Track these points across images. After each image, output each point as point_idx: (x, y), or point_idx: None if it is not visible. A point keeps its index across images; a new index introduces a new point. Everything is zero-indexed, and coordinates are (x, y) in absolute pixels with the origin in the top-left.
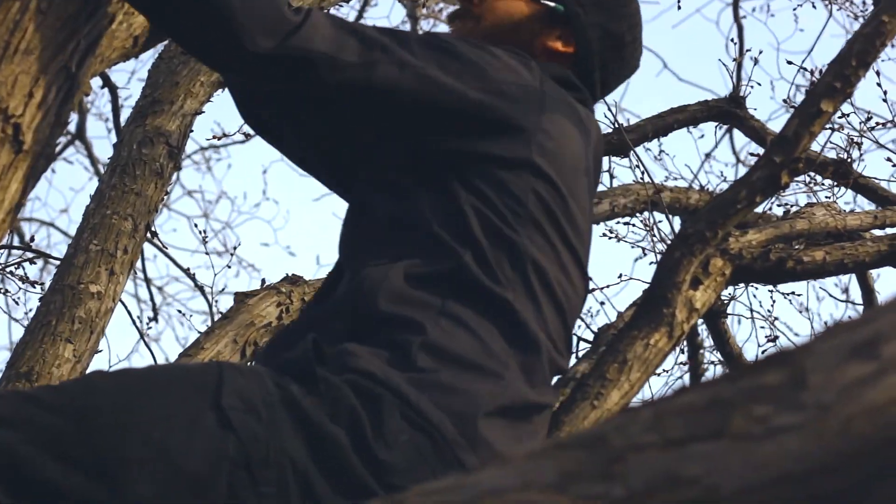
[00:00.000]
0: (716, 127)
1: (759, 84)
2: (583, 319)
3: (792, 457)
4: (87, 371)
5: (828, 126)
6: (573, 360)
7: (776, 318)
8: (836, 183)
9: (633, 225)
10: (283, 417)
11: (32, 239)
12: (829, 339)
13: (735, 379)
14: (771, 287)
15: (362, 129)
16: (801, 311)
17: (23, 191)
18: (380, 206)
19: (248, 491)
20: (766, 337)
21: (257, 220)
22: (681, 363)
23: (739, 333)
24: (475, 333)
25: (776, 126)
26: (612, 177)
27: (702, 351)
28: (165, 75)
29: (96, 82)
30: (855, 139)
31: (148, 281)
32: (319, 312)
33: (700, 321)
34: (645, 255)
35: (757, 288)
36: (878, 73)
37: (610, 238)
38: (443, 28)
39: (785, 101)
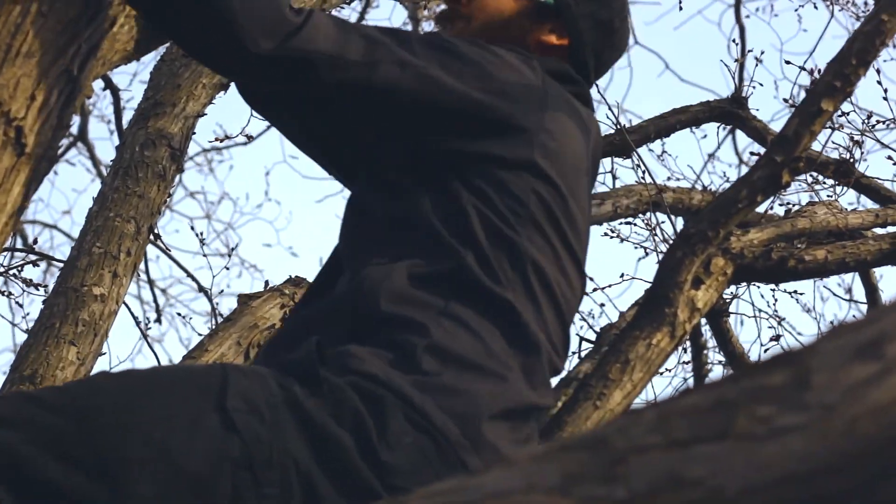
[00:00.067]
0: (718, 127)
1: (762, 84)
2: (585, 319)
3: (796, 457)
4: (91, 373)
5: (829, 125)
6: (576, 361)
7: (780, 318)
8: (837, 182)
9: (636, 225)
10: (287, 419)
11: (35, 241)
12: (833, 339)
13: (738, 379)
14: (773, 286)
15: (363, 128)
16: (806, 311)
17: (25, 194)
18: (380, 204)
19: (251, 492)
20: (770, 337)
21: (259, 220)
22: (684, 363)
23: (743, 332)
24: (477, 334)
25: (780, 126)
26: (614, 177)
27: (705, 351)
28: (167, 77)
29: (98, 84)
30: (856, 138)
31: (151, 283)
32: (319, 311)
33: (703, 320)
34: (647, 255)
35: (760, 287)
36: (878, 72)
37: (612, 238)
38: None
39: (786, 100)
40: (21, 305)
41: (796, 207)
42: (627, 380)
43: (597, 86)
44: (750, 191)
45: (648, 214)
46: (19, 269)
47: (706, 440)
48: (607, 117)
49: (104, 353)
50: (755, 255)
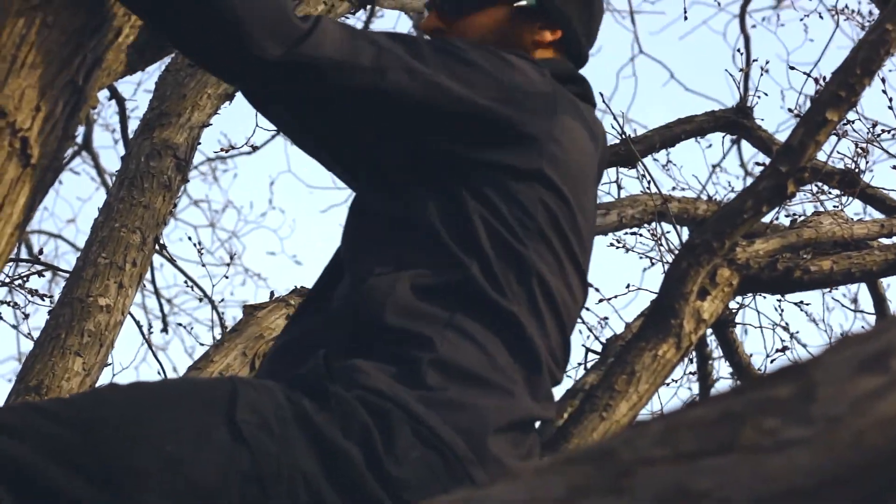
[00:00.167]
0: (723, 137)
1: (767, 94)
2: (591, 330)
3: (802, 470)
4: (98, 384)
5: (834, 135)
6: (582, 372)
7: (787, 328)
8: (843, 192)
9: (641, 235)
10: (296, 433)
11: (41, 252)
12: (838, 351)
13: (744, 392)
14: (779, 297)
15: (369, 133)
16: (812, 321)
17: (31, 205)
18: (383, 207)
19: None
20: (776, 348)
21: (263, 229)
22: (690, 373)
23: (749, 343)
24: (483, 347)
25: (785, 136)
26: (619, 187)
27: (711, 361)
28: (172, 88)
29: (103, 93)
30: (861, 147)
31: (157, 293)
32: (324, 323)
33: (708, 331)
34: (653, 265)
35: (766, 297)
36: (883, 81)
37: (618, 248)
38: None
39: (790, 110)
40: (27, 316)
41: (801, 218)
42: (633, 391)
43: (601, 95)
44: (755, 201)
45: (654, 224)
46: (25, 279)
47: (713, 453)
48: (612, 127)
49: (109, 364)
50: (761, 266)
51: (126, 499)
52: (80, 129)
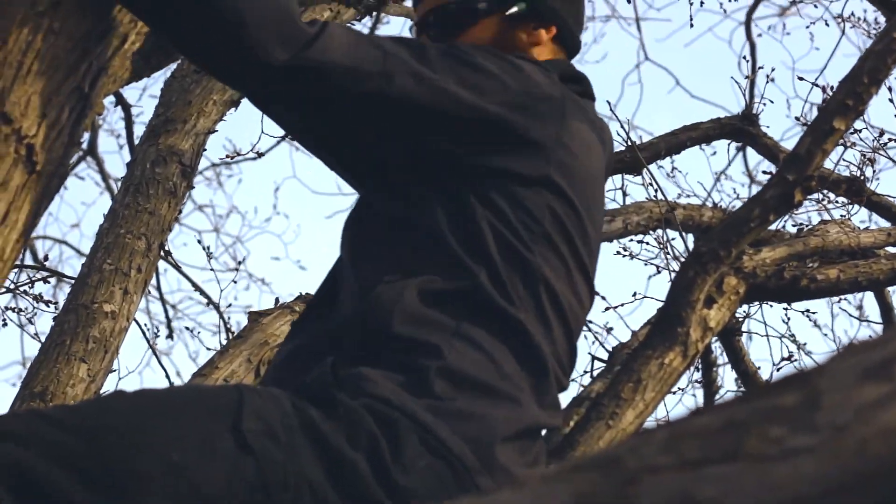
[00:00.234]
0: (729, 144)
1: (773, 102)
2: (597, 338)
3: (807, 478)
4: (103, 391)
5: (840, 143)
6: (588, 380)
7: (793, 336)
8: (849, 201)
9: (647, 243)
10: (302, 441)
11: (46, 258)
12: (843, 359)
13: (749, 400)
14: (786, 305)
15: (375, 138)
16: (816, 326)
17: (36, 211)
18: (390, 212)
19: None
20: (783, 357)
21: (268, 234)
22: (695, 381)
23: (756, 351)
24: (490, 356)
25: (791, 144)
26: (624, 194)
27: (715, 368)
28: (178, 94)
29: (108, 98)
30: (868, 156)
31: (162, 298)
32: (331, 330)
33: (714, 338)
34: (659, 272)
35: (772, 306)
36: (890, 90)
37: (624, 256)
38: None
39: (797, 118)
40: (31, 322)
41: (808, 226)
42: (640, 399)
43: (608, 103)
44: (762, 210)
45: (659, 231)
46: (30, 285)
47: (718, 461)
48: (618, 134)
49: (114, 370)
50: (767, 274)
51: (130, 502)
52: (86, 135)
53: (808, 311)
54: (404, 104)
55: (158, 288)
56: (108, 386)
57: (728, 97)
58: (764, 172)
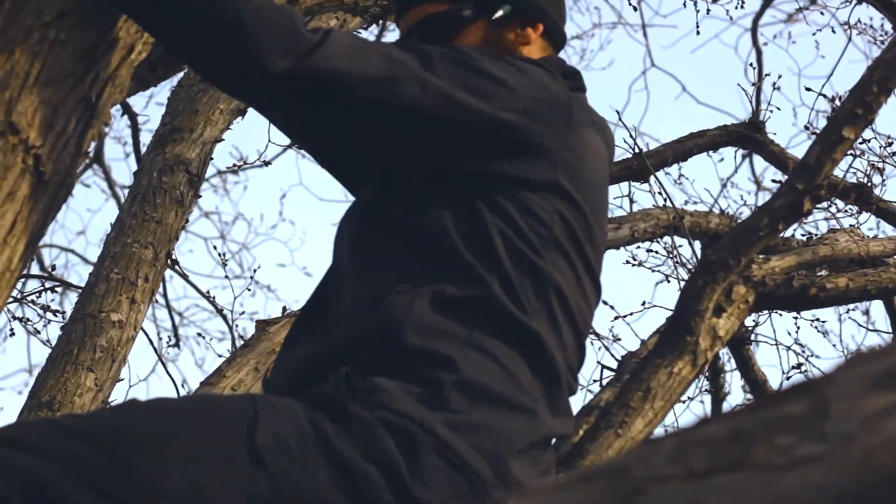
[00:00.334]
0: (735, 151)
1: (779, 109)
2: (606, 346)
3: (814, 487)
4: (111, 400)
5: (849, 152)
6: (597, 389)
7: (802, 345)
8: (858, 209)
9: (654, 252)
10: (317, 456)
11: (54, 268)
12: (851, 368)
13: (757, 409)
14: (795, 314)
15: (381, 145)
16: (825, 333)
17: (43, 221)
18: (398, 218)
19: None
20: (792, 365)
21: (274, 241)
22: (705, 390)
23: (764, 360)
24: (504, 366)
25: (798, 151)
26: (631, 201)
27: (723, 375)
28: (185, 103)
29: (114, 107)
30: (877, 164)
31: (170, 307)
32: (343, 340)
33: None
34: (668, 282)
35: (781, 315)
36: None
37: (634, 266)
38: None
39: (807, 127)
40: (38, 332)
41: (816, 234)
42: (649, 408)
43: (616, 111)
44: (771, 219)
45: (667, 238)
46: (37, 294)
47: (725, 470)
48: (625, 141)
49: (122, 379)
50: (777, 283)
51: None
52: (92, 144)
53: (816, 319)
54: (409, 111)
55: (165, 295)
56: (116, 395)
57: (735, 103)
58: (773, 181)
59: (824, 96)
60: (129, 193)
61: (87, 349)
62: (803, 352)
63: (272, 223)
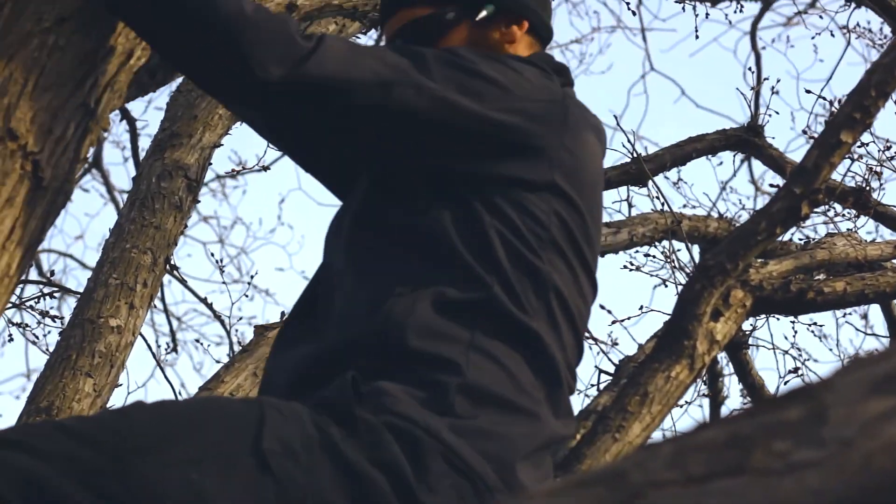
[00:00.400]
0: (734, 155)
1: (778, 113)
2: (603, 351)
3: (812, 492)
4: (110, 405)
5: (847, 156)
6: (594, 393)
7: (800, 349)
8: (857, 214)
9: (652, 256)
10: (323, 462)
11: (52, 273)
12: (849, 373)
13: (755, 414)
14: (792, 318)
15: (377, 150)
16: (823, 337)
17: (42, 227)
18: (394, 217)
19: None
20: (789, 369)
21: (272, 245)
22: (702, 395)
23: (761, 364)
24: (507, 368)
25: (796, 155)
26: (630, 206)
27: (721, 379)
28: (184, 108)
29: (113, 112)
30: (875, 168)
31: (167, 311)
32: (344, 343)
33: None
34: (666, 286)
35: (779, 319)
36: (895, 103)
37: (631, 271)
38: None
39: (804, 131)
40: (37, 337)
41: (814, 238)
42: (647, 412)
43: (614, 116)
44: (769, 223)
45: (665, 243)
46: (36, 300)
47: (724, 475)
48: (623, 146)
49: (121, 385)
50: (774, 287)
51: None
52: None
53: (814, 323)
54: (404, 115)
55: (163, 300)
56: (114, 400)
57: (734, 106)
58: (771, 185)
59: (823, 98)
60: (127, 199)
61: (85, 354)
62: (800, 355)
63: (271, 227)
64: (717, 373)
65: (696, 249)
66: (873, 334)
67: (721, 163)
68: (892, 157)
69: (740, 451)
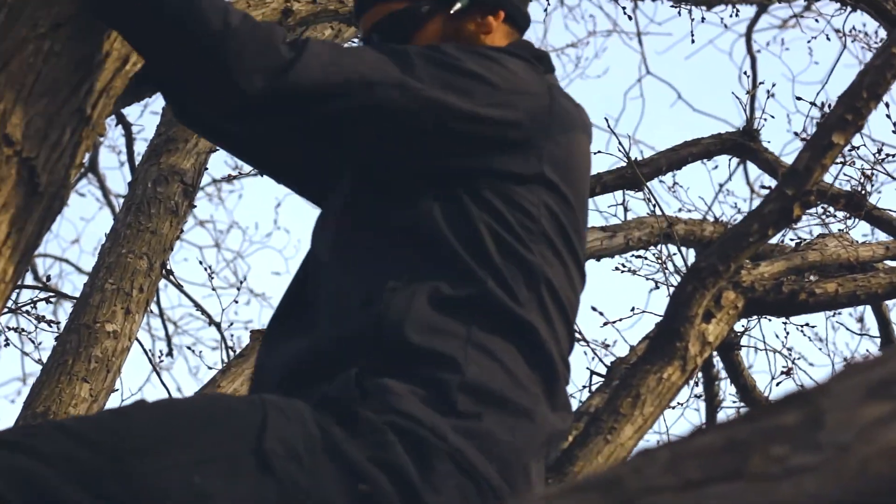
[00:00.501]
0: (730, 159)
1: (773, 117)
2: (595, 352)
3: (810, 497)
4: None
5: (839, 160)
6: (586, 395)
7: (790, 349)
8: (848, 215)
9: (646, 258)
10: (325, 462)
11: (49, 278)
12: (845, 378)
13: (752, 419)
14: (784, 319)
15: (364, 151)
16: (821, 340)
17: (38, 232)
18: (382, 214)
19: None
20: (781, 371)
21: (268, 249)
22: (696, 396)
23: (756, 364)
24: (504, 364)
25: (792, 159)
26: (626, 210)
27: (717, 383)
28: None
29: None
30: (866, 171)
31: (163, 316)
32: (339, 339)
33: (715, 353)
34: (659, 287)
35: (771, 320)
36: (887, 106)
37: (623, 272)
38: None
39: (796, 133)
40: (33, 342)
41: (808, 239)
42: (639, 414)
43: (606, 121)
44: (761, 224)
45: (660, 247)
46: (32, 305)
47: (720, 480)
48: (619, 150)
49: (116, 389)
50: (766, 289)
51: None
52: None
53: (806, 324)
54: (390, 116)
55: (158, 304)
56: (110, 405)
57: (730, 108)
58: (762, 187)
59: (813, 104)
60: (123, 204)
61: (81, 359)
62: (790, 355)
63: (267, 231)
64: (713, 377)
65: (692, 253)
66: (867, 334)
67: (716, 166)
68: (882, 159)
69: (737, 455)
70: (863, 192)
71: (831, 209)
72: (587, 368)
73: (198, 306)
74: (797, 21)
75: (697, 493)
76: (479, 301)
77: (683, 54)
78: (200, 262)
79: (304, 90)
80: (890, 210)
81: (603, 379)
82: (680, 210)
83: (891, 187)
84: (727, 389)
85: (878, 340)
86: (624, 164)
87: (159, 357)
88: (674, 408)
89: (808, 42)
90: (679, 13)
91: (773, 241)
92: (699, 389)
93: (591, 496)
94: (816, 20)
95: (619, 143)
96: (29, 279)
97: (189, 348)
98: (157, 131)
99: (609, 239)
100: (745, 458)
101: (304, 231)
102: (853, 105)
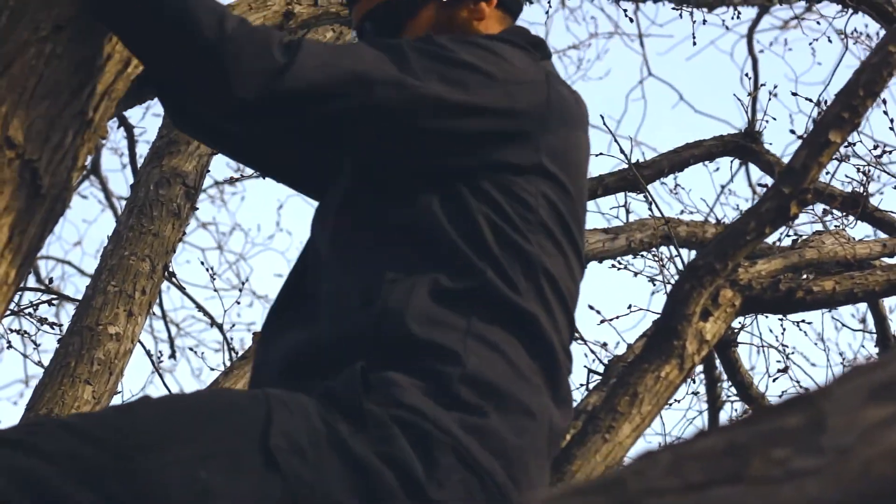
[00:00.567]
0: (731, 160)
1: (775, 119)
2: (593, 351)
3: (811, 500)
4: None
5: (836, 159)
6: (584, 393)
7: (785, 346)
8: (845, 214)
9: (648, 259)
10: (330, 457)
11: (51, 280)
12: (847, 381)
13: (753, 422)
14: (781, 317)
15: (362, 148)
16: (820, 339)
17: (41, 235)
18: (380, 207)
19: None
20: (778, 368)
21: (271, 251)
22: (693, 393)
23: (750, 362)
24: (505, 355)
25: None
26: (627, 212)
27: (719, 384)
28: None
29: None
30: (863, 170)
31: (166, 318)
32: (340, 333)
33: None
34: (655, 284)
35: (767, 317)
36: (884, 102)
37: (620, 269)
38: None
39: (792, 131)
40: (36, 344)
41: (803, 237)
42: (636, 412)
43: (606, 125)
44: (758, 222)
45: (661, 249)
46: (35, 307)
47: (722, 483)
48: (621, 151)
49: (119, 391)
50: (763, 287)
51: None
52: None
53: (803, 321)
54: (388, 115)
55: (161, 306)
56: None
57: (732, 109)
58: (760, 185)
59: (812, 101)
60: (125, 206)
61: (84, 362)
62: (784, 350)
63: (269, 233)
64: (715, 378)
65: (693, 255)
66: (864, 330)
67: (718, 168)
68: (879, 157)
69: (739, 458)
70: (864, 192)
71: (831, 209)
72: (585, 366)
73: (200, 308)
74: (798, 23)
75: (699, 496)
76: (478, 292)
77: (685, 56)
78: (203, 264)
79: (301, 92)
80: (891, 212)
81: (600, 377)
82: (682, 212)
83: (891, 187)
84: (724, 386)
85: (875, 336)
86: (626, 167)
87: (159, 358)
88: (671, 406)
89: (811, 43)
90: (680, 15)
91: (771, 239)
92: (696, 387)
93: (593, 498)
94: (818, 22)
95: (620, 148)
96: (31, 281)
97: (192, 350)
98: (159, 134)
99: (611, 241)
100: (747, 460)
101: (306, 233)
102: (850, 103)
